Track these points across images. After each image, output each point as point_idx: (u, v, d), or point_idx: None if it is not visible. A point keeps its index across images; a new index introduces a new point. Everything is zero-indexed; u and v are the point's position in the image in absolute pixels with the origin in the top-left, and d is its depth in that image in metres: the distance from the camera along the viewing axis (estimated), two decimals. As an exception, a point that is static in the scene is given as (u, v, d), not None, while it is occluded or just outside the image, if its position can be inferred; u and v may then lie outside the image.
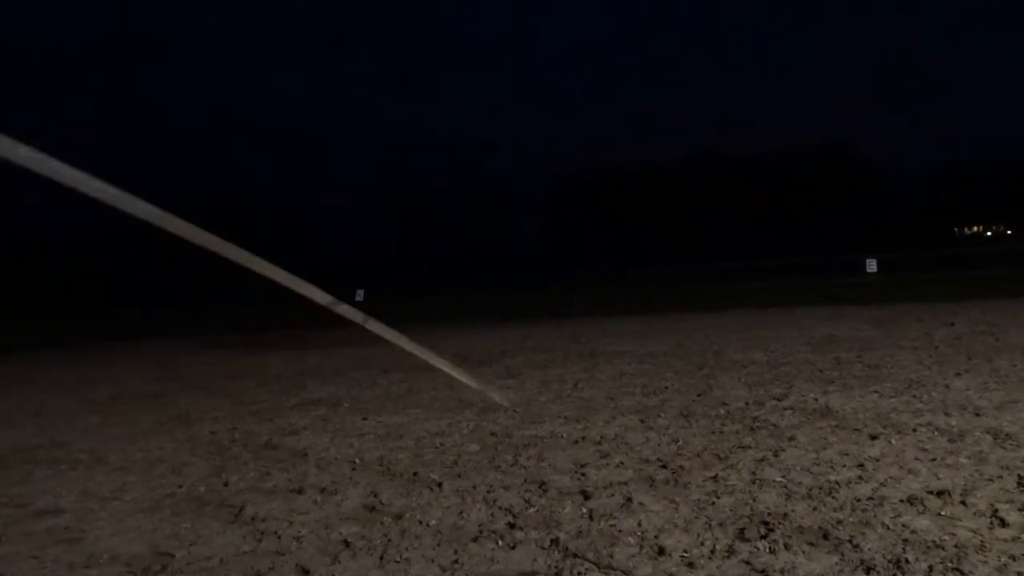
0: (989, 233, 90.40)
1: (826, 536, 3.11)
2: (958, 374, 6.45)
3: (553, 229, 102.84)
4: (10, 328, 31.72)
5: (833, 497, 3.57)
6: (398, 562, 3.20)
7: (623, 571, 2.95)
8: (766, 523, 3.29)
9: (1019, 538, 2.96)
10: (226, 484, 4.62)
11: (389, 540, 3.45)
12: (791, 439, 4.69)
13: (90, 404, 8.28)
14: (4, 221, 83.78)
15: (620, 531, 3.34)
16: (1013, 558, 2.78)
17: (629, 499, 3.75)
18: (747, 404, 5.85)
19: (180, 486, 4.64)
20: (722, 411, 5.66)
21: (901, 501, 3.45)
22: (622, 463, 4.43)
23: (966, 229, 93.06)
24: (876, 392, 5.95)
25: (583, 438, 5.12)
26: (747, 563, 2.93)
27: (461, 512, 3.76)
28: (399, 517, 3.75)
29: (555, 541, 3.28)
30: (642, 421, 5.51)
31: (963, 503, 3.37)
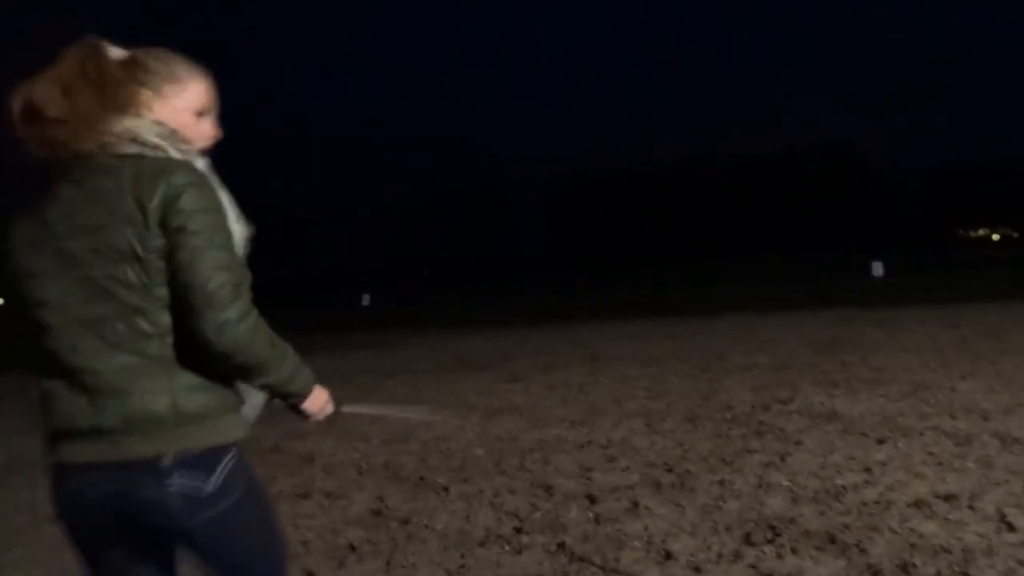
0: (995, 236, 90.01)
1: (833, 540, 3.11)
2: (964, 377, 6.43)
3: (554, 231, 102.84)
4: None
5: (840, 501, 3.57)
6: (404, 567, 3.20)
7: (630, 576, 2.96)
8: (773, 527, 3.29)
9: (1027, 542, 2.96)
10: (232, 488, 4.62)
11: (395, 545, 3.45)
12: (797, 443, 4.69)
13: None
14: None
15: (626, 535, 3.34)
16: (1021, 562, 2.77)
17: (635, 503, 3.75)
18: (752, 408, 5.85)
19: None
20: (727, 415, 5.66)
21: (908, 505, 3.44)
22: (628, 467, 4.43)
23: (971, 232, 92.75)
24: (882, 396, 5.94)
25: (588, 442, 5.12)
26: (754, 567, 2.93)
27: (467, 516, 3.76)
28: (405, 521, 3.76)
29: (561, 545, 3.28)
30: (647, 425, 5.51)
31: (970, 507, 3.36)
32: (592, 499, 3.87)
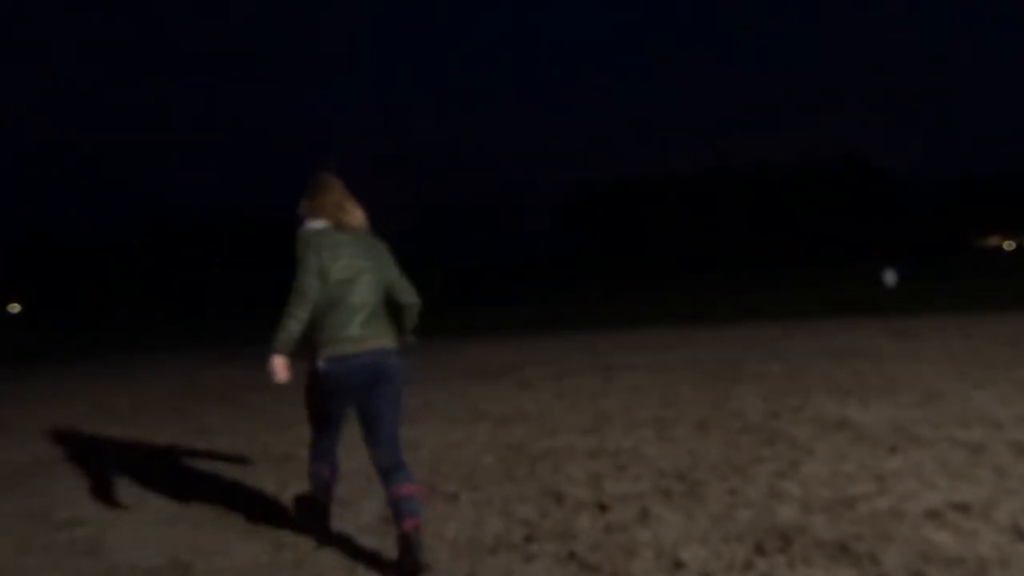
0: (1008, 244, 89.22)
1: (845, 550, 3.09)
2: (978, 386, 6.38)
3: (565, 238, 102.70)
4: (40, 337, 32.05)
5: (852, 510, 3.55)
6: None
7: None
8: (784, 536, 3.28)
9: (1041, 553, 2.93)
10: (244, 495, 4.65)
11: (406, 552, 3.45)
12: (809, 451, 4.66)
13: (110, 415, 8.36)
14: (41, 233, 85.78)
15: (637, 544, 3.33)
16: (1035, 573, 2.75)
17: (646, 511, 3.75)
18: (764, 416, 5.82)
19: (199, 497, 4.67)
20: (739, 423, 5.64)
21: (921, 515, 3.42)
22: (638, 475, 4.42)
23: (985, 240, 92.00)
24: (894, 404, 5.90)
25: (599, 450, 5.12)
26: (765, 577, 2.91)
27: (477, 524, 3.77)
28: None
29: (572, 554, 3.27)
30: (658, 433, 5.50)
31: (984, 517, 3.34)
32: (602, 507, 3.87)
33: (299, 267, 3.25)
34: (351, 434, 5.91)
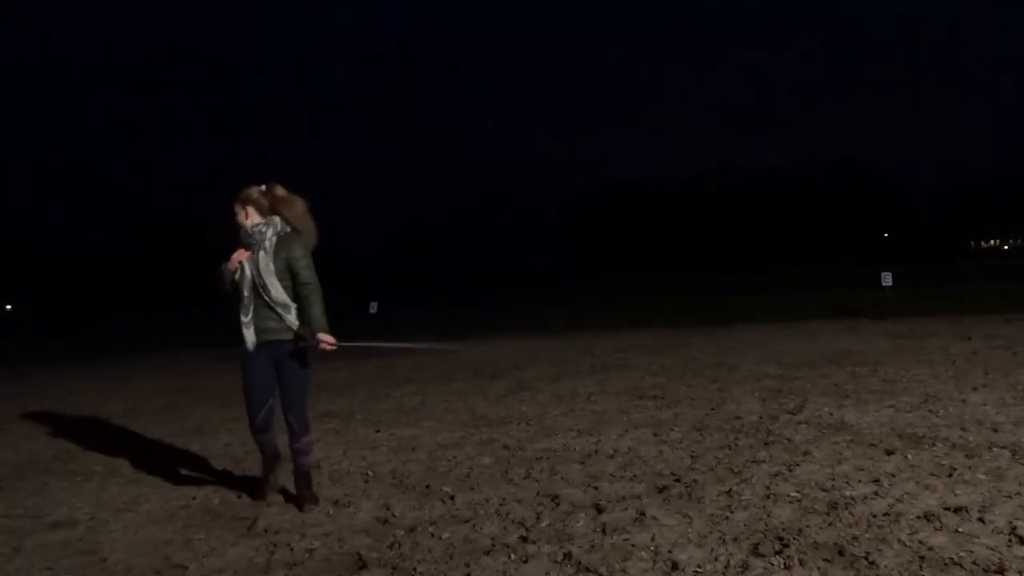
0: (1007, 247, 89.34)
1: (841, 552, 3.08)
2: (975, 389, 6.38)
3: (566, 241, 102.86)
4: (38, 339, 32.00)
5: (849, 513, 3.54)
6: (410, 575, 3.20)
7: (636, 586, 2.93)
8: (781, 539, 3.26)
9: (1038, 556, 2.92)
10: (239, 496, 4.64)
11: (401, 553, 3.44)
12: (806, 454, 4.66)
13: (106, 416, 8.34)
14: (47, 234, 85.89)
15: (633, 545, 3.32)
16: (1032, 576, 2.74)
17: (642, 513, 3.74)
18: (761, 418, 5.82)
19: (194, 498, 4.66)
20: (736, 425, 5.63)
21: (918, 517, 3.41)
22: (635, 477, 4.41)
23: (983, 243, 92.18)
24: (892, 407, 5.89)
25: (596, 451, 5.11)
26: (761, 579, 2.90)
27: (473, 525, 3.75)
28: (411, 530, 3.75)
29: (568, 555, 3.26)
30: (655, 435, 5.49)
31: (981, 520, 3.33)
32: (599, 508, 3.86)
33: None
34: (351, 435, 5.91)
